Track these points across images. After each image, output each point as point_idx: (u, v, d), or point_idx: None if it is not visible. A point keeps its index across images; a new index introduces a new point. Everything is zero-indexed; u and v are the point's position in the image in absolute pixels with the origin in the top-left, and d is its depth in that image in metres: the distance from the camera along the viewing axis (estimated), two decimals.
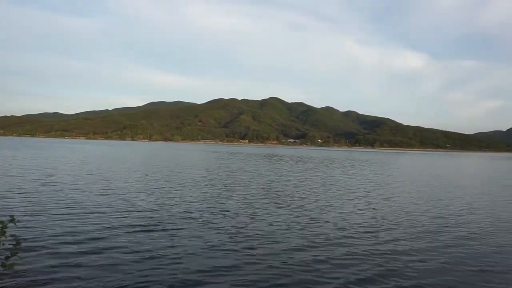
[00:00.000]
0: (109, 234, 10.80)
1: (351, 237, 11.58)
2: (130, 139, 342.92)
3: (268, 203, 17.30)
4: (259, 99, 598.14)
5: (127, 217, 13.17)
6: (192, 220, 13.05)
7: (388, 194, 22.37)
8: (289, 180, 29.53)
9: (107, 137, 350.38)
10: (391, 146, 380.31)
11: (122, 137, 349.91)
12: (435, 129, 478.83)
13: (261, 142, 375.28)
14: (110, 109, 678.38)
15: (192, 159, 57.00)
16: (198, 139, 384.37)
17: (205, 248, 9.87)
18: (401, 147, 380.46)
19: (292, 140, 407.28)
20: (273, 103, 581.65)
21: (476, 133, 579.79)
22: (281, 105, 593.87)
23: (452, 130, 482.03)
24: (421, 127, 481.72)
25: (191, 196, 18.58)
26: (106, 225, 11.85)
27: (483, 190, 27.75)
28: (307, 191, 22.74)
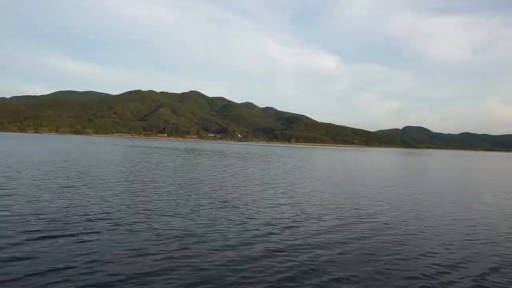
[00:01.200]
0: (6, 243, 9.21)
1: (275, 233, 11.52)
2: (32, 131, 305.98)
3: (192, 201, 16.68)
4: (179, 92, 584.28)
5: (29, 222, 11.35)
6: (109, 222, 11.79)
7: (309, 188, 23.37)
8: (214, 176, 28.91)
9: (4, 128, 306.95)
10: (306, 142, 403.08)
11: (22, 129, 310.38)
12: (345, 126, 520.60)
13: (181, 136, 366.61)
14: (7, 97, 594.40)
15: (107, 154, 52.79)
16: (112, 133, 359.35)
17: (123, 254, 8.94)
18: (315, 142, 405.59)
19: (212, 135, 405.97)
20: (194, 97, 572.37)
21: (378, 131, 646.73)
22: (202, 99, 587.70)
23: (359, 128, 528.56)
24: (333, 124, 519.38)
25: (108, 196, 16.92)
26: (2, 232, 10.11)
27: (392, 181, 30.69)
28: (231, 186, 22.50)
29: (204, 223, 12.41)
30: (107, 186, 19.89)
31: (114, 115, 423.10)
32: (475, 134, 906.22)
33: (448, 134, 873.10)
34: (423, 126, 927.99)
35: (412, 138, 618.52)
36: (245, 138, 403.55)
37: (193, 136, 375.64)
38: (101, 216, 12.60)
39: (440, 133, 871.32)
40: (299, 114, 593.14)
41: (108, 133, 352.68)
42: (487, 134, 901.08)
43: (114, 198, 16.39)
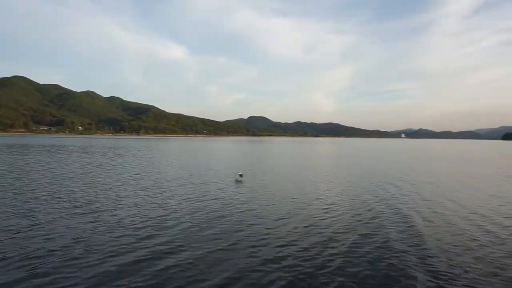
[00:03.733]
0: None
1: (134, 235, 11.42)
2: None
3: (44, 205, 15.50)
4: None
5: None
6: None
7: (172, 183, 23.20)
8: (56, 175, 26.27)
9: None
10: (155, 133, 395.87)
11: None
12: (194, 117, 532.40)
13: (3, 130, 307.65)
14: None
15: None
16: None
17: None
18: (165, 133, 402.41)
19: (46, 128, 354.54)
20: (19, 83, 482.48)
21: (226, 121, 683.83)
22: (30, 86, 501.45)
23: (208, 118, 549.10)
24: (182, 115, 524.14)
25: None
26: None
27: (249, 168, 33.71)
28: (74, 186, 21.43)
29: (63, 230, 11.84)
30: None
31: None
32: (305, 122, 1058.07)
33: (285, 123, 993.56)
34: (264, 116, 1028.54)
35: (256, 127, 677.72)
36: (87, 130, 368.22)
37: (19, 130, 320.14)
38: None
39: (279, 122, 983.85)
40: (148, 105, 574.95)
41: None
42: (315, 123, 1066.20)
43: None
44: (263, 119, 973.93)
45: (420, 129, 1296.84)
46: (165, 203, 16.75)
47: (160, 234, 11.70)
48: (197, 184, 23.06)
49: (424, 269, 9.06)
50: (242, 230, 12.28)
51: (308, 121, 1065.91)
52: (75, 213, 14.34)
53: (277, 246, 10.62)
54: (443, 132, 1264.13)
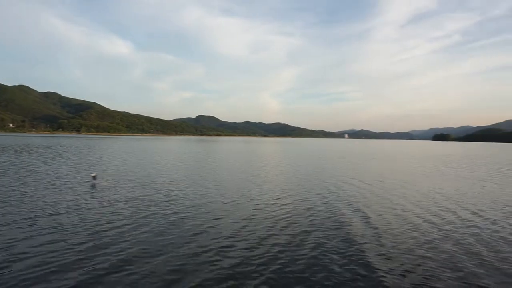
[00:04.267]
0: None
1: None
2: None
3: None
4: None
5: None
6: None
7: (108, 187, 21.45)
8: None
9: None
10: (98, 131, 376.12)
11: None
12: (140, 115, 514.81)
13: None
14: None
15: None
16: None
17: None
18: (108, 132, 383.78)
19: None
20: None
21: (174, 119, 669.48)
22: None
23: (155, 116, 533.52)
24: (128, 113, 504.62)
25: None
26: None
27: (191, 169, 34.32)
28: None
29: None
30: None
31: None
32: (254, 122, 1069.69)
33: (234, 122, 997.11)
34: (213, 115, 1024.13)
35: (204, 126, 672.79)
36: (19, 128, 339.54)
37: None
38: None
39: (228, 122, 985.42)
40: (90, 101, 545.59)
41: None
42: (263, 123, 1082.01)
43: None
44: (212, 119, 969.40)
45: (362, 130, 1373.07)
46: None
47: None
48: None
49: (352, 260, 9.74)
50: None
51: (257, 121, 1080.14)
52: None
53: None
54: (382, 132, 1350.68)
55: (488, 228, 13.29)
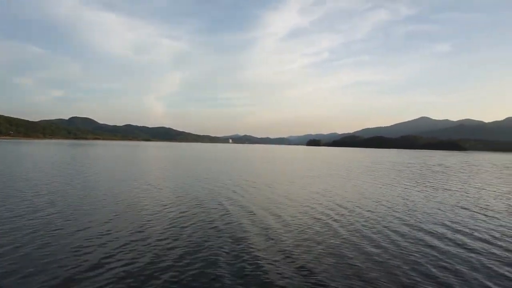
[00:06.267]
0: None
1: None
2: None
3: None
4: None
5: None
6: None
7: None
8: None
9: None
10: None
11: None
12: None
13: None
14: None
15: None
16: None
17: None
18: None
19: None
20: None
21: (42, 120, 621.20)
22: None
23: (16, 116, 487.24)
24: None
25: None
26: None
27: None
28: None
29: None
30: None
31: None
32: (136, 126, 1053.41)
33: (113, 125, 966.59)
34: (89, 117, 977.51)
35: (79, 129, 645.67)
36: None
37: None
38: None
39: (106, 125, 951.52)
40: None
41: None
42: (146, 126, 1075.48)
43: None
44: (88, 121, 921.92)
45: (245, 135, 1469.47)
46: None
47: None
48: None
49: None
50: None
51: (139, 124, 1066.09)
52: None
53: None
54: (263, 138, 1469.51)
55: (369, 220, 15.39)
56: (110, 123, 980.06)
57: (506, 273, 9.50)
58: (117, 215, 15.25)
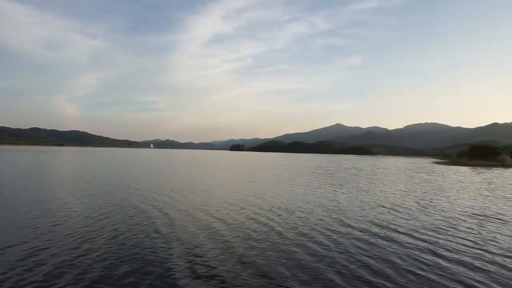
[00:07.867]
0: None
1: None
2: None
3: None
4: None
5: None
6: None
7: None
8: None
9: None
10: None
11: None
12: None
13: None
14: None
15: None
16: None
17: None
18: None
19: None
20: None
21: None
22: None
23: None
24: None
25: None
26: None
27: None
28: None
29: None
30: None
31: None
32: (44, 129, 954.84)
33: (17, 128, 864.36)
34: None
35: None
36: None
37: None
38: None
39: (8, 128, 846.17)
40: None
41: None
42: (57, 130, 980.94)
43: None
44: None
45: (167, 140, 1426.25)
46: None
47: None
48: None
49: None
50: None
51: (48, 128, 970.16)
52: None
53: None
54: (187, 143, 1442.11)
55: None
56: (13, 126, 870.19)
57: (422, 259, 11.32)
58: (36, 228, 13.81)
